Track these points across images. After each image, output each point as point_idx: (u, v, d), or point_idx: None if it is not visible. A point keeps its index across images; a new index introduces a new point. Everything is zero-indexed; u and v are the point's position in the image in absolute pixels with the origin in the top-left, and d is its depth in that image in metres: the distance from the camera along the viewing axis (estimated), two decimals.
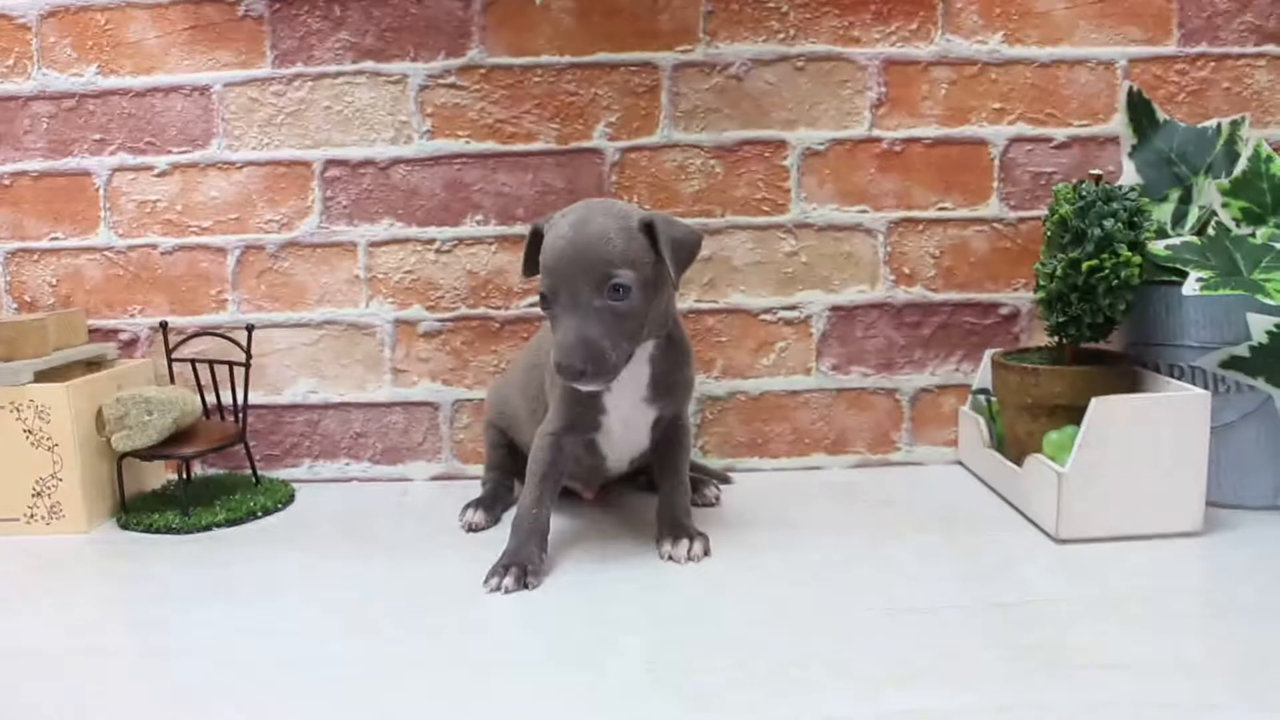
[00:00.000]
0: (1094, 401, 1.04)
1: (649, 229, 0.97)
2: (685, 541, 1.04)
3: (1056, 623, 0.86)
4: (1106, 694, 0.73)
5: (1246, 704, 0.71)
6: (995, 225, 1.31)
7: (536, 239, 1.01)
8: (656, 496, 1.12)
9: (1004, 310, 1.33)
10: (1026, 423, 1.14)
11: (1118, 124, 1.29)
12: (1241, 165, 1.14)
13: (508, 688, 0.77)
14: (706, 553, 1.04)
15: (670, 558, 1.04)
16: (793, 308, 1.32)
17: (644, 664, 0.80)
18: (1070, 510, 1.04)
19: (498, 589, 0.96)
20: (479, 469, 1.30)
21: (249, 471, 1.32)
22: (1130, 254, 1.06)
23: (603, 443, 1.09)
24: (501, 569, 0.98)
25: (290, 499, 1.28)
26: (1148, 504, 1.05)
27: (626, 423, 1.07)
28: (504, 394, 1.22)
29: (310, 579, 1.01)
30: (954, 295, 1.33)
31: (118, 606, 0.97)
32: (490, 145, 1.30)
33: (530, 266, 1.03)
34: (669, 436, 1.12)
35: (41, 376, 1.18)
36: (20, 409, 1.16)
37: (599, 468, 1.13)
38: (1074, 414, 1.08)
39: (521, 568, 0.98)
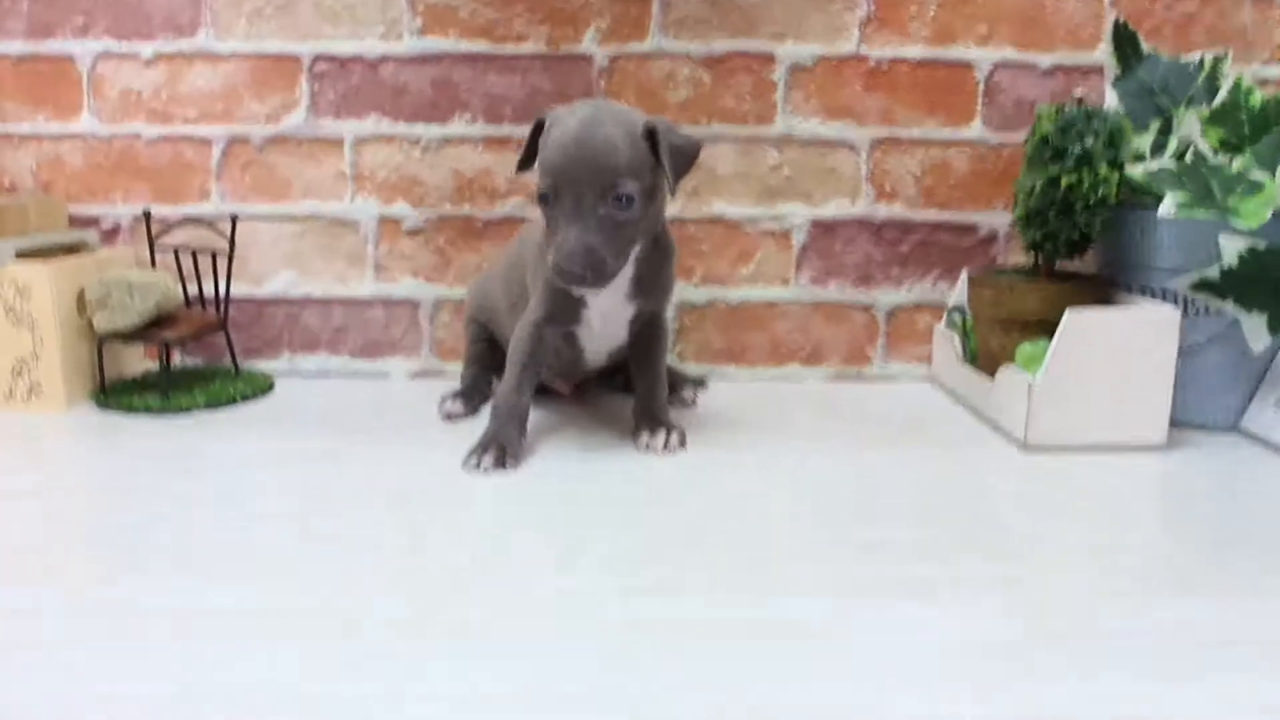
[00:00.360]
0: (1068, 313, 1.06)
1: (651, 136, 0.97)
2: (663, 433, 1.07)
3: (1018, 516, 0.89)
4: (1063, 571, 0.76)
5: (1192, 590, 0.75)
6: (977, 147, 1.33)
7: (539, 131, 1.01)
8: (634, 395, 1.14)
9: (982, 232, 1.35)
10: (1000, 336, 1.17)
11: (1103, 54, 1.30)
12: (1222, 95, 1.16)
13: (482, 564, 0.79)
14: (683, 444, 1.07)
15: (649, 448, 1.06)
16: (774, 219, 1.34)
17: (614, 545, 0.82)
18: (1039, 419, 1.07)
19: (477, 467, 0.99)
20: (458, 367, 1.32)
21: (229, 362, 1.33)
22: (1108, 171, 1.09)
23: (582, 335, 1.10)
24: (481, 449, 1.00)
25: (270, 388, 1.29)
26: (1115, 416, 1.08)
27: (606, 318, 1.09)
28: (486, 289, 1.23)
29: (288, 458, 1.03)
30: (933, 214, 1.34)
31: (92, 474, 0.98)
32: (481, 46, 1.30)
33: (528, 158, 1.03)
34: (647, 334, 1.13)
35: (23, 257, 1.18)
36: (1, 287, 1.16)
37: (577, 361, 1.15)
38: (1047, 328, 1.10)
39: (501, 448, 1.00)
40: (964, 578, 0.75)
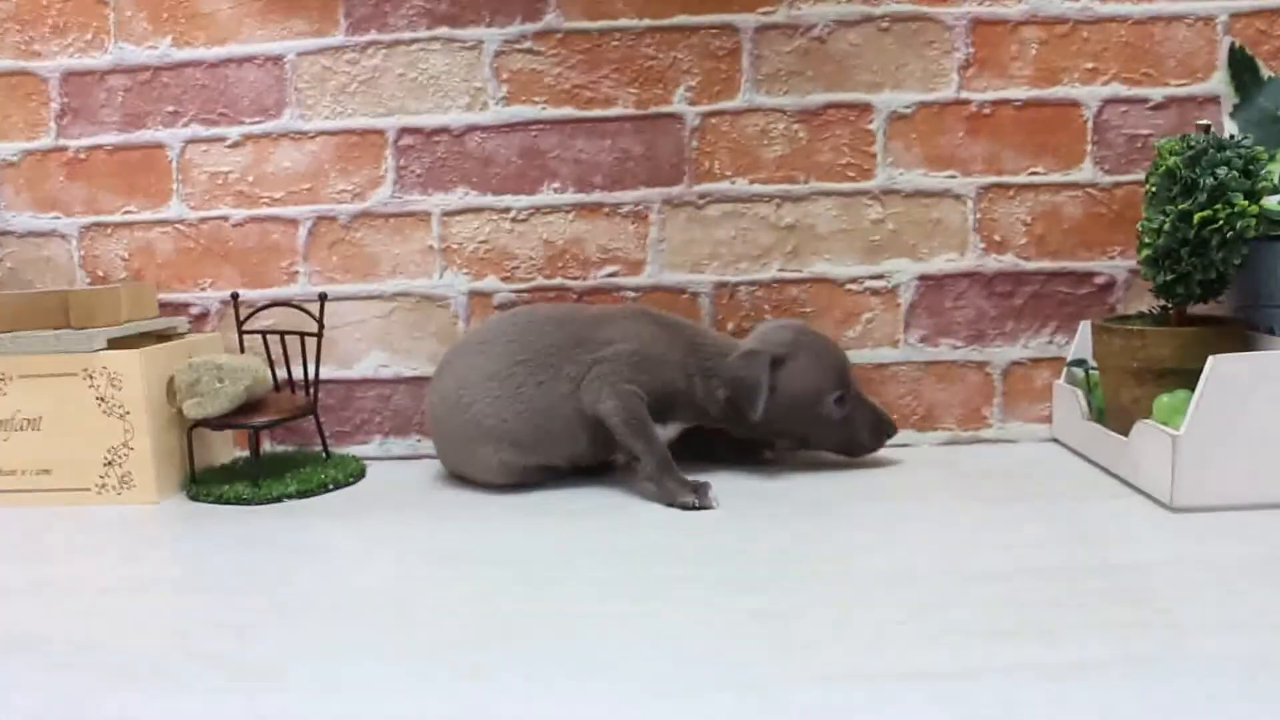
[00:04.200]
0: (1212, 359, 0.97)
1: None
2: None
3: (1175, 586, 0.79)
4: (1246, 649, 0.67)
5: None
6: (1089, 190, 1.26)
7: (778, 366, 1.13)
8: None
9: (1099, 279, 1.27)
10: (1132, 389, 1.09)
11: (1218, 82, 1.23)
12: None
13: (585, 658, 0.73)
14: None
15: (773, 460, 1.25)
16: (879, 277, 1.28)
17: (748, 616, 0.76)
18: (1186, 476, 0.98)
19: (700, 507, 1.06)
20: None
21: (319, 447, 1.29)
22: (1246, 204, 1.01)
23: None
24: (688, 491, 1.07)
25: (362, 474, 1.24)
26: (1272, 470, 0.98)
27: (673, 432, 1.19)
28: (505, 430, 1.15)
29: (384, 547, 0.98)
30: (1047, 264, 1.27)
31: (190, 567, 0.94)
32: (567, 111, 1.27)
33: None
34: None
35: (114, 345, 1.16)
36: (93, 376, 1.14)
37: None
38: (1185, 378, 1.02)
39: (697, 486, 1.07)
40: (1123, 658, 0.66)
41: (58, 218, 1.33)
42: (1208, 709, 0.59)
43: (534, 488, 1.15)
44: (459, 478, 1.19)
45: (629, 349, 1.13)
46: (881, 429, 1.17)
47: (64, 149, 1.32)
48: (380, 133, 1.29)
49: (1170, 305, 1.10)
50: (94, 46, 1.30)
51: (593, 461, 1.18)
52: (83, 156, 1.32)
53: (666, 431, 1.16)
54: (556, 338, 1.14)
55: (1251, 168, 1.02)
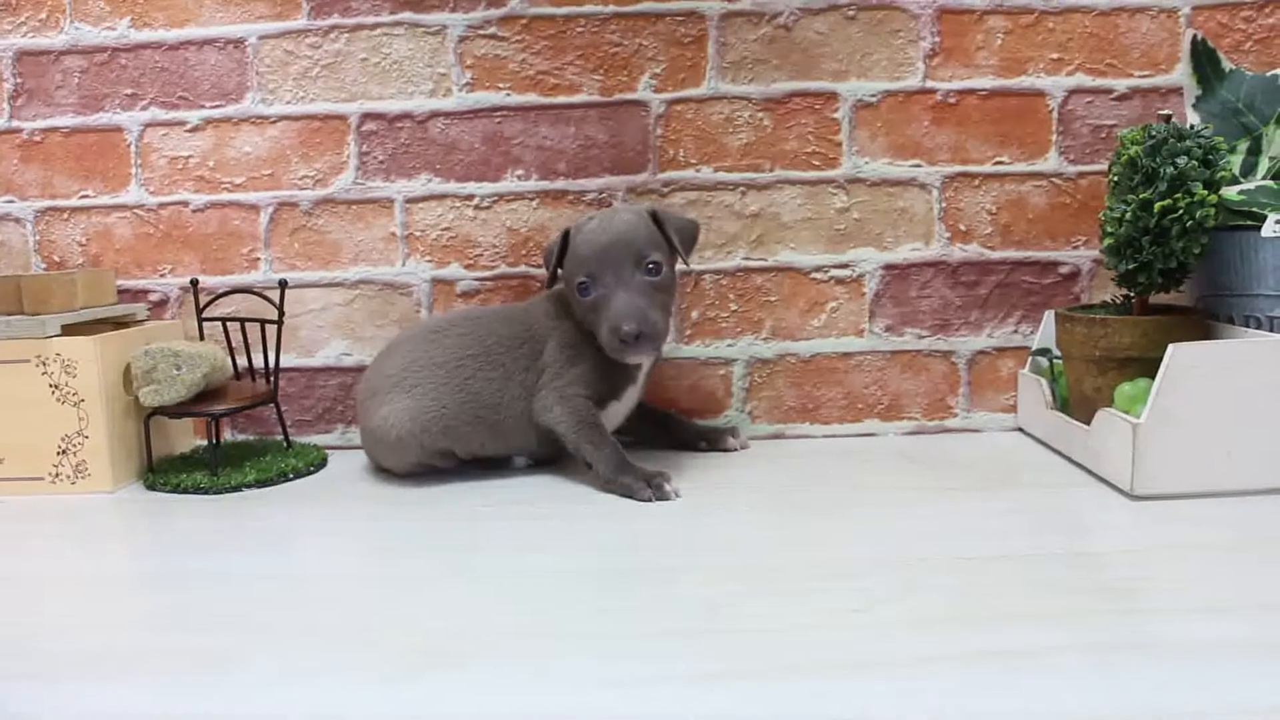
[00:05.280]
0: (1171, 347, 0.97)
1: (655, 217, 1.10)
2: (727, 435, 1.24)
3: (1140, 570, 0.80)
4: (1202, 633, 0.67)
5: None
6: (1054, 180, 1.26)
7: (566, 239, 1.11)
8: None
9: (1064, 269, 1.27)
10: (1095, 377, 1.09)
11: (1181, 74, 1.24)
12: None
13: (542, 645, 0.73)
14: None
15: (741, 447, 1.24)
16: (844, 266, 1.27)
17: (705, 609, 0.76)
18: (1146, 464, 0.98)
19: (666, 497, 1.04)
20: None
21: (280, 436, 1.28)
22: (1205, 193, 1.01)
23: (607, 414, 1.15)
24: (646, 484, 1.04)
25: (323, 463, 1.23)
26: (1231, 458, 0.98)
27: (636, 391, 1.18)
28: (441, 413, 1.12)
29: (342, 537, 0.97)
30: (1012, 253, 1.27)
31: (139, 557, 0.93)
32: (531, 98, 1.26)
33: (560, 264, 1.12)
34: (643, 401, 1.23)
35: (69, 332, 1.14)
36: (47, 363, 1.12)
37: None
38: (1147, 366, 1.02)
39: (657, 478, 1.05)
40: (1083, 644, 0.66)
41: (11, 201, 1.31)
42: (1168, 694, 0.59)
43: (491, 477, 1.14)
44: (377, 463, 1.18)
45: (556, 346, 1.14)
46: (615, 330, 1.04)
47: (18, 131, 1.30)
48: (343, 118, 1.27)
49: (1132, 294, 1.10)
50: (49, 26, 1.28)
51: (544, 456, 1.18)
52: (38, 139, 1.30)
53: (625, 401, 1.16)
54: (504, 333, 1.15)
55: (1211, 157, 1.02)
